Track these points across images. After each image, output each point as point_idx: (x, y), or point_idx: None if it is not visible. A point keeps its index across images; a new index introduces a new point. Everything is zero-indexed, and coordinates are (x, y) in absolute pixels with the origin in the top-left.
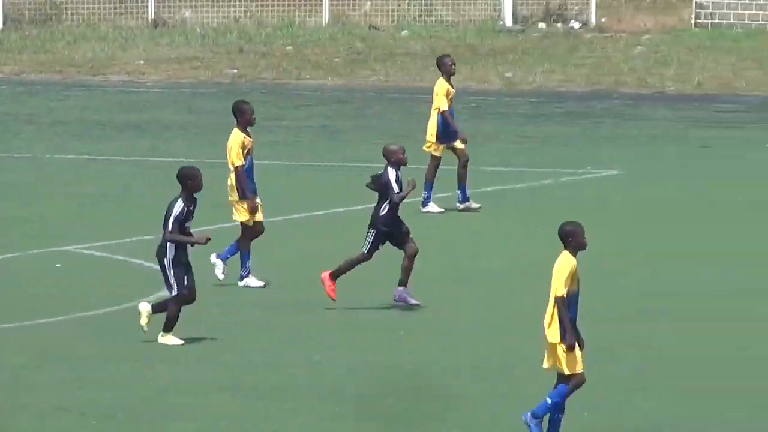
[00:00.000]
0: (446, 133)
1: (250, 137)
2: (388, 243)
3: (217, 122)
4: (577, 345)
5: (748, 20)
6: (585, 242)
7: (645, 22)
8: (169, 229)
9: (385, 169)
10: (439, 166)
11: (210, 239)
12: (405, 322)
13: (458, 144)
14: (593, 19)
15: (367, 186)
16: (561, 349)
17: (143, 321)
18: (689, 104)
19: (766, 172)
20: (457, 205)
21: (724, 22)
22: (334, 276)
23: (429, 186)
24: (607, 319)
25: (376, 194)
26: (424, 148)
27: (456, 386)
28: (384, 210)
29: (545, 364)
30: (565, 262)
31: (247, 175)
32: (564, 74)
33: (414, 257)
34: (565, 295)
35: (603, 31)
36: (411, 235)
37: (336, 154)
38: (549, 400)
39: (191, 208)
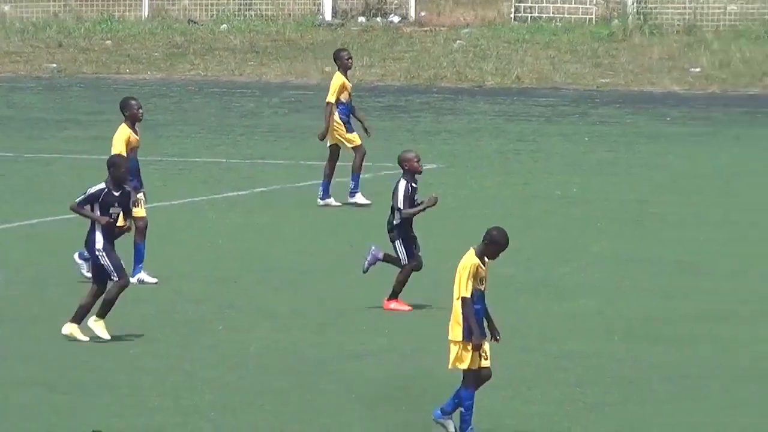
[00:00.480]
0: (348, 121)
1: (137, 134)
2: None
3: (37, 117)
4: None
5: (567, 14)
6: (497, 254)
7: (464, 16)
8: (77, 200)
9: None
10: (365, 154)
11: (129, 229)
12: (224, 318)
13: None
14: (413, 13)
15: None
16: (458, 347)
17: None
18: (508, 98)
19: (585, 166)
20: (319, 201)
21: (544, 15)
22: (394, 296)
23: (356, 176)
24: (425, 315)
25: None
26: (348, 145)
27: (270, 381)
28: (396, 220)
29: (450, 365)
30: (465, 263)
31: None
32: (383, 68)
33: (410, 272)
34: (468, 296)
35: (422, 25)
36: (420, 251)
37: (155, 148)
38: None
39: (114, 193)
